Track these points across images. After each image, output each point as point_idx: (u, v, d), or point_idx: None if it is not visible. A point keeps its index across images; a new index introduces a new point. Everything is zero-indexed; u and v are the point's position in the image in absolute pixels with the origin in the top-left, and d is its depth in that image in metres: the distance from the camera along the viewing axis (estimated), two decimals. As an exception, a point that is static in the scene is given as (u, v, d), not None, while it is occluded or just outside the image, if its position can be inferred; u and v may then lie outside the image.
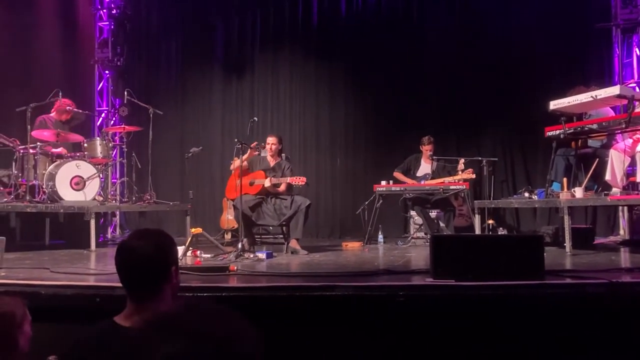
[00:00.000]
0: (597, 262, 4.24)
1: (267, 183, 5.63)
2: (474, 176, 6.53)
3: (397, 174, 6.98)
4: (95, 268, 4.48)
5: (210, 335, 0.97)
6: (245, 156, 5.58)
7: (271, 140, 6.01)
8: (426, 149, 6.93)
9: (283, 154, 6.26)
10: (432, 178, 6.76)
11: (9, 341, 2.08)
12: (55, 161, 6.31)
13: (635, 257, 4.95)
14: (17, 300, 2.18)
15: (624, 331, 2.90)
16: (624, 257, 4.96)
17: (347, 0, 8.35)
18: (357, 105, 8.20)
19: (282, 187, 5.69)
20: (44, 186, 6.07)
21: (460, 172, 6.57)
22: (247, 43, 8.69)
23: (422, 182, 6.75)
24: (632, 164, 5.16)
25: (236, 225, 6.56)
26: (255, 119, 6.56)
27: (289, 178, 5.62)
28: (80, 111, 6.97)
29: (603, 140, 5.72)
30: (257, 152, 5.88)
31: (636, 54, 7.41)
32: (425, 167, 6.97)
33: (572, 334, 2.96)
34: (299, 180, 5.53)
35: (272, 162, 6.00)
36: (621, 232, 6.78)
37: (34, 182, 6.13)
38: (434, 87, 7.82)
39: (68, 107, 6.71)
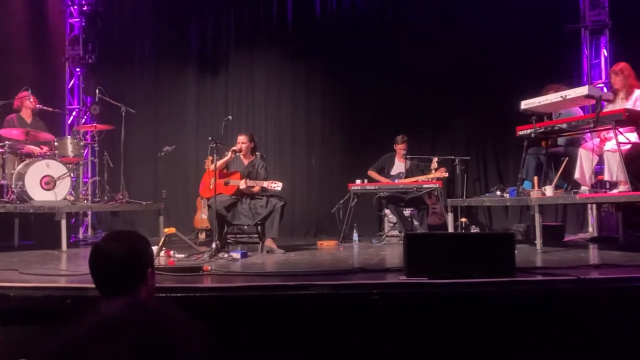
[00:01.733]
0: (566, 259, 4.32)
1: (242, 185, 5.60)
2: (446, 175, 6.62)
3: (372, 173, 7.02)
4: (66, 269, 4.40)
5: (152, 339, 0.91)
6: (221, 161, 5.57)
7: (241, 139, 5.96)
8: (400, 147, 6.99)
9: (258, 152, 6.23)
10: (406, 177, 6.83)
11: None
12: (25, 160, 6.18)
13: (603, 253, 5.07)
14: None
15: (592, 326, 2.97)
16: (593, 254, 5.08)
17: (321, 1, 8.37)
18: (333, 104, 8.24)
19: (257, 189, 5.66)
20: (12, 186, 5.95)
21: (433, 171, 6.65)
22: (221, 41, 8.64)
23: (396, 181, 6.81)
24: (600, 162, 5.27)
25: (209, 225, 6.51)
26: (230, 117, 6.52)
27: (264, 182, 5.58)
28: (47, 108, 6.84)
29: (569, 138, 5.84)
30: (233, 156, 5.85)
31: (604, 55, 7.58)
32: (399, 165, 7.03)
33: (542, 329, 3.02)
34: (274, 186, 5.50)
35: (245, 161, 5.97)
36: (590, 229, 6.95)
37: (2, 181, 6.01)
38: (408, 87, 7.89)
39: (31, 100, 6.59)
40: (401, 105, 7.85)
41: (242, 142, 5.93)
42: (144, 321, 0.93)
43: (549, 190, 5.16)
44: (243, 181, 5.60)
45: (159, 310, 0.97)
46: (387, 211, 6.92)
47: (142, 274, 1.83)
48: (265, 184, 5.56)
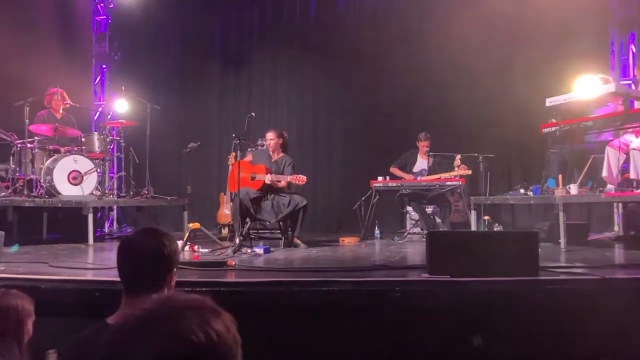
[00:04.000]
0: (591, 258, 4.27)
1: (267, 179, 5.66)
2: (469, 172, 6.57)
3: (394, 169, 7.01)
4: (94, 262, 4.50)
5: (188, 336, 0.89)
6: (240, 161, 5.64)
7: (269, 135, 6.04)
8: (423, 144, 6.97)
9: (287, 152, 6.25)
10: (429, 174, 6.80)
11: (16, 334, 2.09)
12: (53, 155, 6.31)
13: (628, 253, 5.00)
14: (25, 297, 2.20)
15: (616, 326, 2.94)
16: (618, 253, 5.01)
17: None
18: (355, 100, 8.22)
19: (282, 184, 5.72)
20: (41, 180, 6.08)
21: (456, 168, 6.61)
22: (244, 37, 8.70)
23: (419, 178, 6.79)
24: (627, 160, 5.19)
25: (232, 220, 6.57)
26: (253, 114, 6.55)
27: (289, 176, 5.65)
28: (75, 104, 6.98)
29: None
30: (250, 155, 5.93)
31: (632, 51, 7.44)
32: (421, 162, 7.01)
33: (565, 328, 3.00)
34: (299, 180, 5.56)
35: (274, 157, 6.02)
36: (615, 228, 6.83)
37: (31, 176, 6.14)
38: (432, 84, 7.83)
39: (59, 97, 6.75)
40: (424, 102, 7.79)
41: (270, 139, 5.99)
42: (175, 315, 0.93)
43: (573, 189, 5.10)
44: (268, 175, 5.67)
45: (193, 303, 0.97)
46: (409, 208, 6.91)
47: (167, 274, 1.84)
48: (289, 178, 5.61)
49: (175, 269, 1.89)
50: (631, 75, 7.02)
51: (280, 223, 5.84)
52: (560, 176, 5.35)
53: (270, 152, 6.04)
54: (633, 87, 6.08)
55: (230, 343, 0.93)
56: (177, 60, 8.79)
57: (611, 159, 5.17)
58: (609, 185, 5.16)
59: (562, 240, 4.80)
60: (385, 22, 8.07)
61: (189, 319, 0.91)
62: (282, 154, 6.07)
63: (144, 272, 1.81)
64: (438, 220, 6.70)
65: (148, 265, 1.81)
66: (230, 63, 8.68)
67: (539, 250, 3.42)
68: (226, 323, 0.95)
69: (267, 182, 5.67)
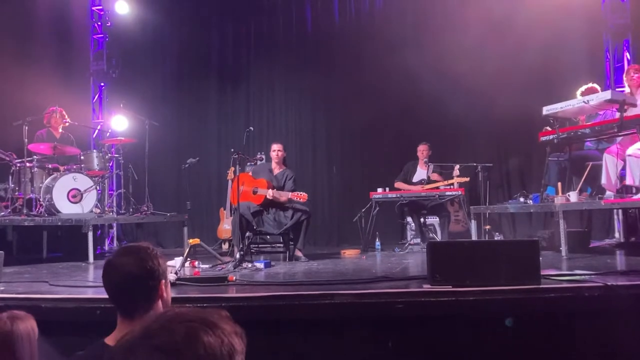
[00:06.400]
0: (593, 265, 4.26)
1: (269, 194, 5.67)
2: (467, 179, 6.58)
3: (399, 184, 7.02)
4: (94, 280, 4.47)
5: (171, 351, 0.89)
6: (241, 174, 5.64)
7: (277, 147, 6.06)
8: (421, 154, 6.99)
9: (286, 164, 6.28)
10: (428, 183, 6.81)
11: (31, 358, 2.09)
12: (52, 174, 6.32)
13: (630, 259, 4.99)
14: (30, 317, 2.19)
15: (620, 333, 2.93)
16: (620, 260, 5.00)
17: (340, 9, 8.42)
18: (353, 113, 8.24)
19: (283, 199, 5.73)
20: (41, 199, 6.08)
21: (455, 178, 6.62)
22: (241, 51, 8.76)
23: (420, 187, 6.79)
24: (625, 167, 5.19)
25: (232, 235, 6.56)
26: (252, 128, 6.59)
27: (290, 193, 5.66)
28: (74, 123, 7.01)
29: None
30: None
31: (627, 58, 7.49)
32: (421, 172, 7.03)
33: (568, 336, 2.99)
34: (300, 197, 5.58)
35: (275, 170, 6.03)
36: (616, 234, 6.83)
37: (31, 195, 6.14)
38: (429, 94, 7.84)
39: (58, 116, 6.78)
40: (422, 113, 7.80)
41: (278, 150, 6.01)
42: (165, 329, 0.93)
43: (573, 196, 5.10)
44: (270, 191, 5.67)
45: (195, 316, 0.97)
46: (409, 219, 6.91)
47: (156, 287, 1.83)
48: (290, 195, 5.63)
49: (163, 280, 1.87)
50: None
51: (283, 236, 5.84)
52: (559, 184, 5.36)
53: (273, 165, 6.04)
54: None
55: (222, 355, 0.92)
56: (175, 76, 8.83)
57: (609, 166, 5.18)
58: (608, 192, 5.16)
59: (563, 248, 4.79)
60: (381, 32, 8.09)
61: (175, 334, 0.91)
62: (282, 168, 6.08)
63: (132, 292, 1.80)
64: (431, 235, 6.72)
65: (134, 284, 1.80)
66: (228, 78, 8.72)
67: (540, 258, 3.41)
68: (220, 336, 0.94)
69: (269, 197, 5.67)
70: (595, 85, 5.84)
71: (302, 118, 8.52)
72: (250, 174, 6.10)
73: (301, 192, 5.61)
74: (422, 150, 6.98)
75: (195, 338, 0.91)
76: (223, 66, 8.80)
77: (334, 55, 8.33)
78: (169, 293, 1.92)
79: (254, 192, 5.76)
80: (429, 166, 6.93)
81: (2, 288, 3.83)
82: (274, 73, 8.62)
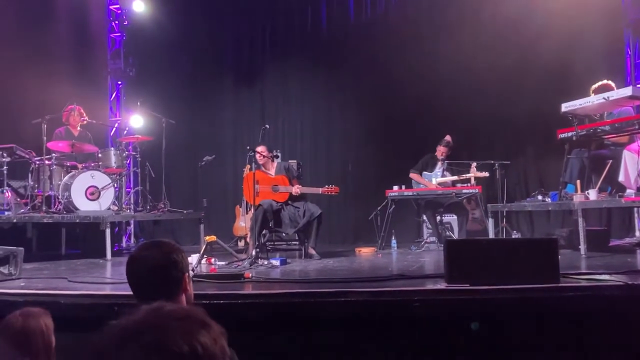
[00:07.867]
0: (612, 264, 4.20)
1: (294, 191, 5.69)
2: (486, 174, 6.52)
3: (413, 175, 6.95)
4: (112, 277, 4.52)
5: (171, 347, 0.86)
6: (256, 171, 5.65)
7: (261, 149, 5.92)
8: (440, 151, 6.93)
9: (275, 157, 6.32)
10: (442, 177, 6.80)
11: (46, 354, 2.11)
12: (71, 172, 6.38)
13: (651, 258, 4.92)
14: (46, 313, 2.22)
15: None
16: (640, 259, 4.93)
17: (355, 7, 8.40)
18: (368, 111, 8.20)
19: (313, 190, 5.84)
20: (59, 197, 6.15)
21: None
22: (257, 50, 8.77)
23: (435, 185, 6.74)
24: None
25: (248, 232, 6.59)
26: (267, 126, 6.58)
27: (320, 189, 5.73)
28: (92, 121, 7.07)
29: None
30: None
31: (647, 54, 7.36)
32: (438, 169, 6.97)
33: (588, 336, 2.95)
34: (332, 191, 5.67)
35: (272, 169, 6.05)
36: (637, 233, 6.73)
37: (49, 192, 6.21)
38: (445, 91, 7.79)
39: (76, 114, 6.86)
40: (439, 110, 7.74)
41: (262, 152, 5.90)
42: (159, 326, 0.91)
43: (592, 194, 5.03)
44: (296, 187, 5.71)
45: (189, 315, 0.94)
46: (425, 217, 6.87)
47: (180, 280, 1.85)
48: (321, 190, 5.76)
49: (187, 272, 1.89)
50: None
51: (298, 234, 5.86)
52: (578, 181, 5.29)
53: (268, 166, 6.02)
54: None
55: (217, 355, 0.90)
56: (191, 74, 8.85)
57: (629, 163, 5.10)
58: (628, 190, 5.08)
59: (582, 247, 4.73)
60: (397, 30, 8.04)
61: (174, 331, 0.89)
62: (275, 162, 6.11)
63: (157, 283, 1.82)
64: (448, 232, 6.68)
65: (159, 275, 1.82)
66: (244, 77, 8.73)
67: (559, 257, 3.37)
68: (214, 335, 0.92)
69: (294, 193, 5.70)
70: (610, 82, 5.73)
71: (316, 116, 8.50)
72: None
73: (331, 186, 5.69)
74: (442, 152, 6.91)
75: (193, 337, 0.89)
76: (239, 66, 8.81)
77: (349, 53, 8.30)
78: (191, 287, 1.93)
79: (275, 190, 5.77)
80: (444, 164, 6.89)
81: (22, 284, 3.88)
82: (288, 71, 8.61)
